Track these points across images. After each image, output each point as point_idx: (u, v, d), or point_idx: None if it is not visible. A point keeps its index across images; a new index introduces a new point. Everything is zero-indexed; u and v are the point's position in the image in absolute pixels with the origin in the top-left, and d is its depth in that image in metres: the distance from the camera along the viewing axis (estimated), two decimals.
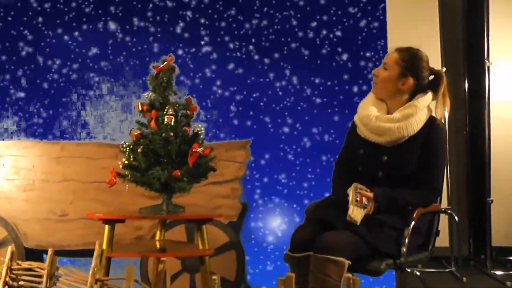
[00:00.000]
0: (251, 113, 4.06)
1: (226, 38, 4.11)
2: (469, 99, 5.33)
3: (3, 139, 3.96)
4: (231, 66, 4.08)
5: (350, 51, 4.17)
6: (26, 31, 4.04)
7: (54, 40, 4.04)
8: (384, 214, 2.65)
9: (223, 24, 4.11)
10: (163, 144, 2.73)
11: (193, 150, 2.71)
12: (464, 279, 4.35)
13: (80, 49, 4.03)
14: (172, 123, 2.75)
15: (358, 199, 2.56)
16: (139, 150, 2.75)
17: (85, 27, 4.03)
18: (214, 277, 1.98)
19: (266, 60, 4.11)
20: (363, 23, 4.21)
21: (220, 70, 4.08)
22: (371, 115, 2.72)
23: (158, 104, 2.86)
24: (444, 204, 4.61)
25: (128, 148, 2.79)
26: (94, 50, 4.03)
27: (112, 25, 4.02)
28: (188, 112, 2.88)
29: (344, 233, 2.56)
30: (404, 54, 2.67)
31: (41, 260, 3.83)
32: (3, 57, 4.02)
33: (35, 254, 3.76)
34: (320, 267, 2.46)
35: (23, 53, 4.04)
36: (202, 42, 4.06)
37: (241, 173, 3.94)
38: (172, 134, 2.73)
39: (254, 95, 4.08)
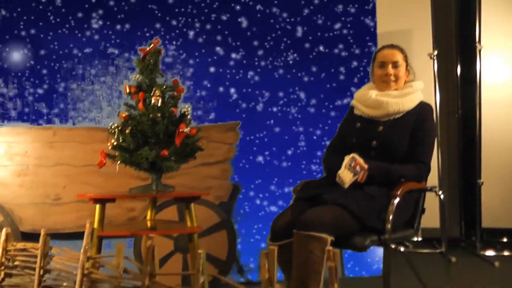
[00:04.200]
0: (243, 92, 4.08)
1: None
2: (461, 82, 5.39)
3: None
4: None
5: (338, 39, 4.14)
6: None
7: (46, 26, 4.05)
8: (374, 188, 2.74)
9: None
10: (150, 125, 2.78)
11: (180, 130, 2.76)
12: (453, 259, 4.41)
13: (72, 33, 4.04)
14: (159, 104, 2.79)
15: (352, 164, 2.71)
16: (127, 131, 2.79)
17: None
18: (199, 251, 2.03)
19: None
20: (351, 9, 4.15)
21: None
22: (370, 93, 2.98)
23: (145, 86, 2.90)
24: (435, 185, 4.72)
25: (116, 130, 2.84)
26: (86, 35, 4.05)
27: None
28: (175, 93, 2.93)
29: (329, 208, 2.62)
30: (402, 50, 3.03)
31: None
32: None
33: (30, 238, 3.79)
34: (303, 244, 2.52)
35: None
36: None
37: (231, 155, 3.99)
38: (159, 115, 2.78)
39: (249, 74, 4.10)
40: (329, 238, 2.50)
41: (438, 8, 5.16)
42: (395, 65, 2.97)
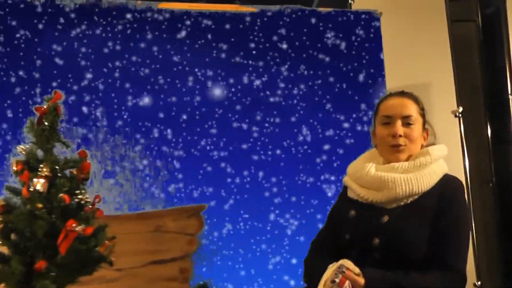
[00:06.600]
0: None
1: None
2: (493, 143, 4.74)
3: None
4: None
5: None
6: None
7: None
8: None
9: None
10: (29, 220, 1.83)
11: (68, 229, 1.79)
12: None
13: None
14: (42, 190, 1.85)
15: (336, 280, 1.77)
16: None
17: None
18: None
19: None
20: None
21: None
22: (367, 166, 2.02)
23: (33, 161, 1.97)
24: (472, 276, 4.00)
25: None
26: None
27: None
28: (75, 172, 1.98)
29: None
30: (417, 100, 2.09)
31: None
32: None
33: None
34: None
35: None
36: None
37: (192, 248, 3.05)
38: (40, 206, 1.83)
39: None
40: None
41: (460, 58, 4.55)
42: (407, 121, 2.02)
